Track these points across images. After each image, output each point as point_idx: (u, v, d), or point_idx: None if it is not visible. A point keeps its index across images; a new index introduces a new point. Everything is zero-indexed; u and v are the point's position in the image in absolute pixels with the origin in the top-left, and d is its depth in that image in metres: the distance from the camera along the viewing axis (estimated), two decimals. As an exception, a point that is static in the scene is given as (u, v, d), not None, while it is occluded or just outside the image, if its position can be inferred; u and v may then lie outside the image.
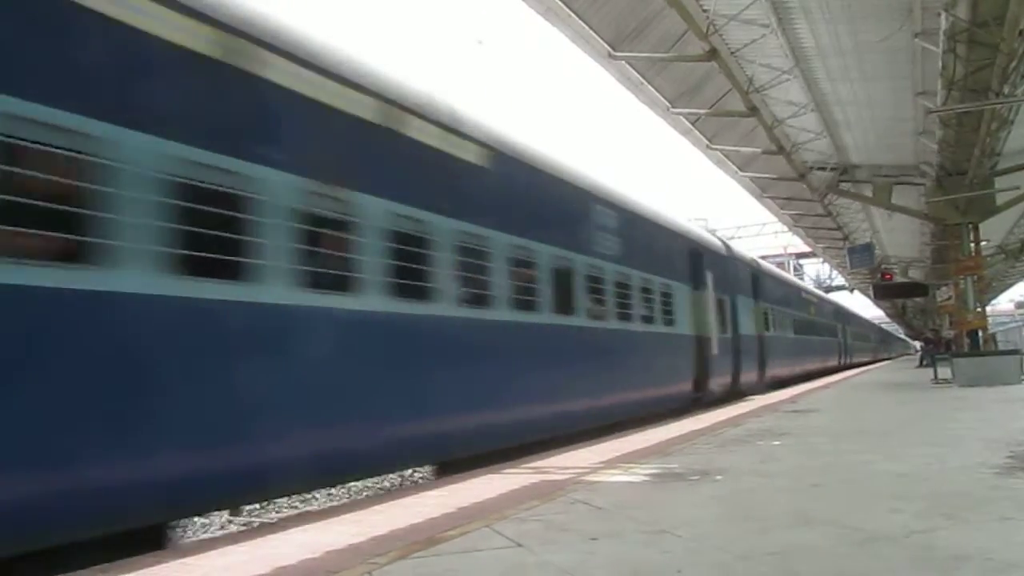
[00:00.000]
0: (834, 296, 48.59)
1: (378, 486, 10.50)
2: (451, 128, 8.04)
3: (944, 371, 19.89)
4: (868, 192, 21.51)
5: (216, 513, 8.34)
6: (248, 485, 5.59)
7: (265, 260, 5.59)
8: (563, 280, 10.18)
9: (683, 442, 8.77)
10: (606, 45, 14.54)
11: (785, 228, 39.17)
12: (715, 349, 16.26)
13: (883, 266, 34.28)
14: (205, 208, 5.18)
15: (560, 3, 12.94)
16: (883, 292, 35.60)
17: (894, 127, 18.58)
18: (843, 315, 43.37)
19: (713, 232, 24.25)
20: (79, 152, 4.51)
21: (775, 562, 3.56)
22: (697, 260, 16.01)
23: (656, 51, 15.00)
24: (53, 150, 4.39)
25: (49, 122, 4.35)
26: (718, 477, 6.06)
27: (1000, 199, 19.09)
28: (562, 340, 10.14)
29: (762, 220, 49.24)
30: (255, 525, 7.89)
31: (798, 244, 47.73)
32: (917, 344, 69.24)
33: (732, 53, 14.98)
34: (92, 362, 4.52)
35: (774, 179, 24.19)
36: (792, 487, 5.63)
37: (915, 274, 38.50)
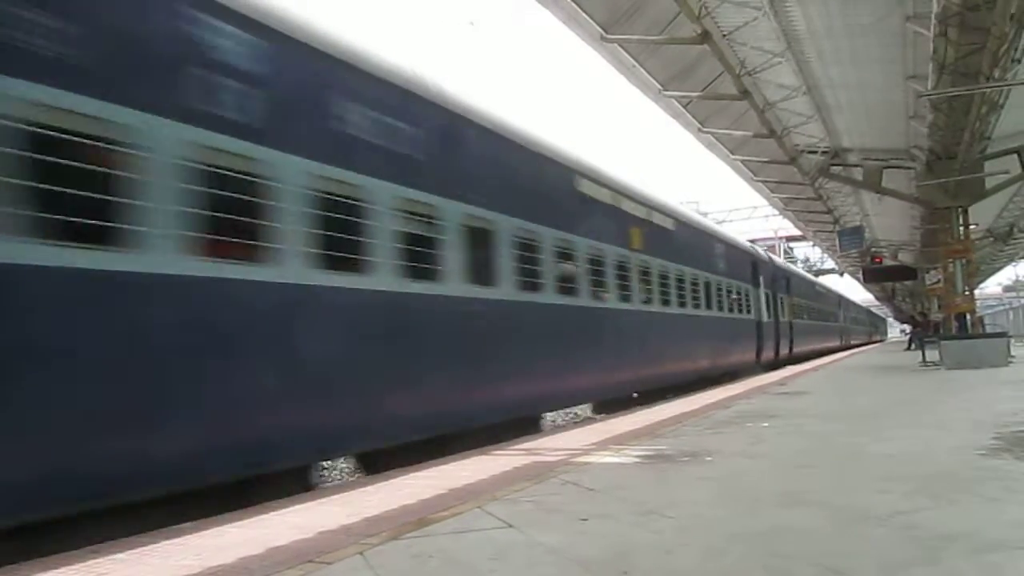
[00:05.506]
0: (824, 280, 48.45)
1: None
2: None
3: (932, 354, 20.06)
4: (859, 176, 21.55)
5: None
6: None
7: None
8: None
9: (673, 424, 8.82)
10: (598, 28, 14.47)
11: (776, 211, 39.28)
12: None
13: (873, 249, 34.41)
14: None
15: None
16: (873, 275, 35.79)
17: (885, 111, 18.60)
18: (773, 275, 24.71)
19: (704, 215, 23.72)
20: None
21: (764, 542, 3.60)
22: None
23: (648, 34, 14.93)
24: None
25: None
26: (708, 458, 6.10)
27: (989, 183, 19.18)
28: None
29: (753, 203, 49.33)
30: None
31: (789, 227, 47.90)
32: (903, 327, 69.33)
33: (724, 36, 14.94)
34: None
35: (765, 162, 24.22)
36: (781, 468, 5.68)
37: (905, 257, 38.70)
